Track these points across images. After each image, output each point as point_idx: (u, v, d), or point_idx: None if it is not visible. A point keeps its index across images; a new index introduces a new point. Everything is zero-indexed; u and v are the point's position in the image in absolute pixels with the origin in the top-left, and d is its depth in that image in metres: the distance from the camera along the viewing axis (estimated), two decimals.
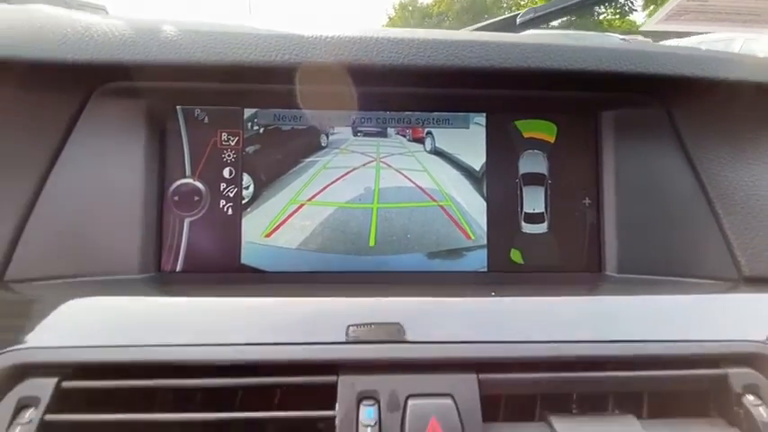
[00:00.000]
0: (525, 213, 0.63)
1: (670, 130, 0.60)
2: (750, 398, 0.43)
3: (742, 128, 0.60)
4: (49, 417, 0.38)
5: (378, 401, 0.40)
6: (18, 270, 0.52)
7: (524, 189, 0.63)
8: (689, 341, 0.45)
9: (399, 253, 0.61)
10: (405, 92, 0.58)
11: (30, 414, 0.38)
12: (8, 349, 0.41)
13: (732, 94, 0.58)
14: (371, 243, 0.61)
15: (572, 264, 0.62)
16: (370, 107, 0.61)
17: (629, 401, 0.44)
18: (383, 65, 0.51)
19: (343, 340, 0.43)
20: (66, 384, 0.40)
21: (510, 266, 0.62)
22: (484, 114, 0.63)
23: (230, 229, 0.60)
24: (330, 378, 0.41)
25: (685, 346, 0.45)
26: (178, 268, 0.59)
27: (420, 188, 0.62)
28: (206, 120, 0.60)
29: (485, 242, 0.62)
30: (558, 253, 0.62)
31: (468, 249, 0.62)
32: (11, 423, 0.38)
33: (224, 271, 0.59)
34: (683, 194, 0.59)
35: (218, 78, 0.55)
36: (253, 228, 0.60)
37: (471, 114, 0.63)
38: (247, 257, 0.60)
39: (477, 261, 0.62)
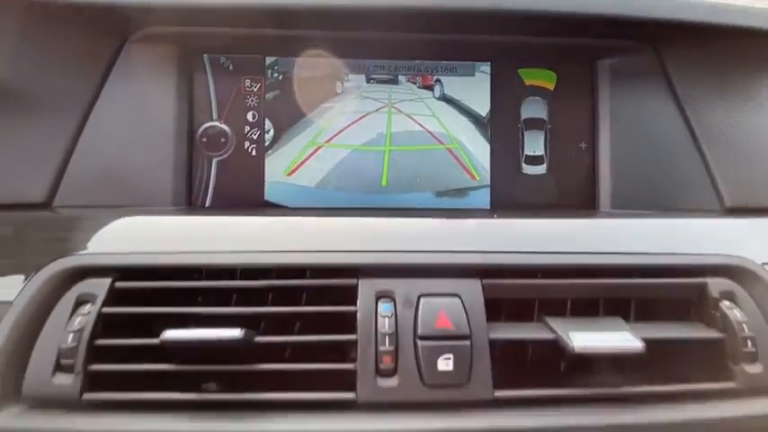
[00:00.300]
0: (526, 156, 0.68)
1: (661, 76, 0.65)
2: (726, 303, 0.48)
3: (729, 73, 0.64)
4: (106, 309, 0.44)
5: (393, 300, 0.46)
6: (65, 198, 0.57)
7: (525, 133, 0.68)
8: (674, 254, 0.50)
9: (409, 192, 0.67)
10: (415, 39, 0.62)
11: (88, 308, 0.44)
12: (68, 255, 0.46)
13: (720, 39, 0.62)
14: (384, 183, 0.66)
15: (569, 201, 0.67)
16: (382, 55, 0.66)
17: (617, 308, 0.49)
18: (396, 6, 0.56)
19: (362, 249, 0.48)
20: (120, 284, 0.45)
21: (511, 204, 0.67)
22: (489, 63, 0.67)
23: (254, 168, 0.65)
24: (351, 281, 0.46)
25: (671, 257, 0.50)
26: (207, 203, 0.64)
27: (429, 132, 0.67)
28: (230, 67, 0.65)
29: (488, 182, 0.67)
30: (556, 192, 0.67)
31: (473, 189, 0.67)
32: (72, 315, 0.44)
33: (249, 206, 0.64)
34: (673, 136, 0.64)
35: (240, 23, 0.59)
36: (275, 167, 0.65)
37: (477, 63, 0.67)
38: (271, 194, 0.65)
39: (481, 199, 0.67)
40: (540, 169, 0.68)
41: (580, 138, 0.68)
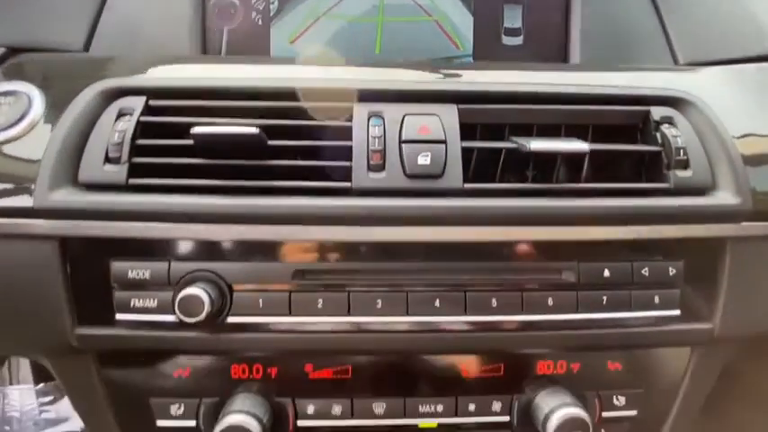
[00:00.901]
0: (505, 28, 0.75)
1: None
2: (666, 125, 0.57)
3: None
4: (143, 118, 0.52)
5: (383, 118, 0.54)
6: (98, 48, 0.65)
7: (505, 7, 0.75)
8: (626, 87, 0.59)
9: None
10: None
11: (128, 117, 0.53)
12: (111, 78, 0.55)
13: None
14: (377, 51, 0.74)
15: None
16: None
17: (577, 134, 0.58)
18: None
19: (357, 79, 0.57)
20: (153, 102, 0.54)
21: None
22: None
23: (261, 36, 0.73)
24: (348, 104, 0.55)
25: (623, 89, 0.58)
26: None
27: (418, 5, 0.74)
28: None
29: (471, 52, 0.75)
30: (531, 61, 0.75)
31: (458, 58, 0.75)
32: (116, 121, 0.52)
33: None
34: (636, 6, 0.72)
35: None
36: (279, 36, 0.73)
37: None
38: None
39: None
40: (518, 40, 0.75)
41: (554, 12, 0.75)
